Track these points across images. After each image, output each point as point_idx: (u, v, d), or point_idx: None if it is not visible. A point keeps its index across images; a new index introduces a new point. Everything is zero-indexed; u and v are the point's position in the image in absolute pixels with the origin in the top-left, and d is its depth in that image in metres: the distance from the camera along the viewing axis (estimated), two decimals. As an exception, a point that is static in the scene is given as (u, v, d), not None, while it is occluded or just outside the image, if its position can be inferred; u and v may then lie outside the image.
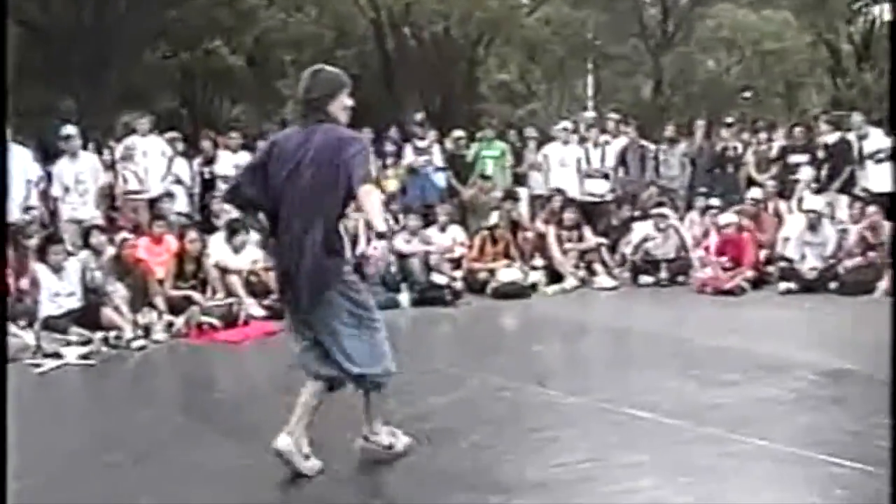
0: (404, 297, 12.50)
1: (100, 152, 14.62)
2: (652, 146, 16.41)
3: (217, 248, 12.13)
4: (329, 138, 5.45)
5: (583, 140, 16.38)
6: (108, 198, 14.07)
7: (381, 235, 5.79)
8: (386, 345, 5.92)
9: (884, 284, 12.18)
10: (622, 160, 15.94)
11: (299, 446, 5.72)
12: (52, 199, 13.39)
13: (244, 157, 14.88)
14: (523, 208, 15.51)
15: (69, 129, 13.77)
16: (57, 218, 13.29)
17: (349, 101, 5.67)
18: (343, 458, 6.03)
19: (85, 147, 14.08)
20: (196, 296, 11.39)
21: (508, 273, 13.26)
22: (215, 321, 10.94)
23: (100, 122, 20.39)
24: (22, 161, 12.64)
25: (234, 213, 13.39)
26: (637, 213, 14.97)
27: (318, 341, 5.77)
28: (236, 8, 26.68)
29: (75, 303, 10.66)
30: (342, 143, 5.40)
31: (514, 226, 14.30)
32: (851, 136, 15.16)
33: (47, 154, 14.25)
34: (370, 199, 5.25)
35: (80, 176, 13.20)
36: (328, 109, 5.55)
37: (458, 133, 16.70)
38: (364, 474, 5.83)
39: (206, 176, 15.04)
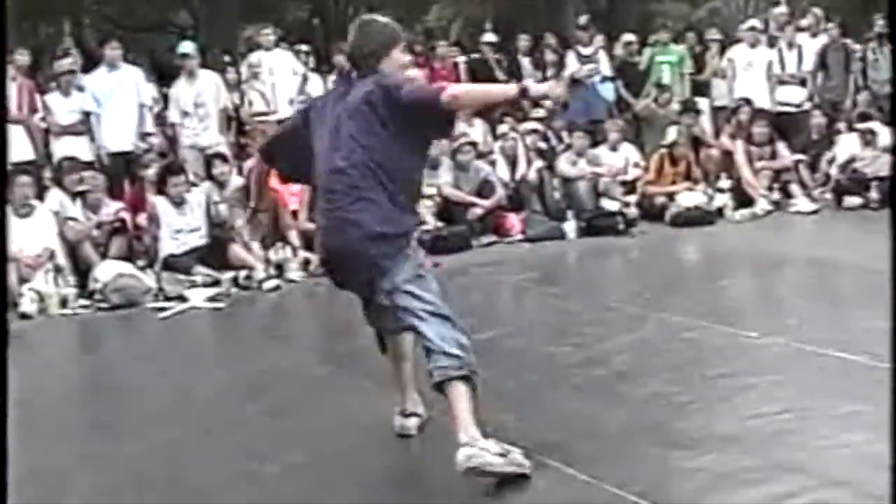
0: (570, 227, 12.45)
1: (221, 70, 14.80)
2: (857, 45, 15.91)
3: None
4: (374, 83, 5.18)
5: (774, 41, 15.98)
6: (234, 121, 14.27)
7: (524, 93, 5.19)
8: None
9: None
10: (822, 63, 15.51)
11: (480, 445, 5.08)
12: (170, 125, 13.66)
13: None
14: (706, 122, 15.25)
15: (186, 46, 14.03)
16: (176, 145, 13.57)
17: (405, 58, 5.57)
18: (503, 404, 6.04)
19: (204, 65, 14.28)
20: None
21: (690, 197, 13.08)
22: (356, 257, 11.02)
23: (220, 36, 20.66)
24: (134, 82, 12.95)
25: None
26: (841, 125, 14.57)
27: None
28: None
29: (199, 240, 10.89)
30: (391, 83, 5.14)
31: (696, 142, 14.08)
32: None
33: (162, 74, 14.54)
34: (470, 93, 5.35)
35: (200, 98, 13.40)
36: (380, 67, 5.30)
37: (629, 37, 16.46)
38: (528, 424, 5.84)
39: (342, 92, 15.11)
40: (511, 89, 5.24)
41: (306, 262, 10.96)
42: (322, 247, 5.48)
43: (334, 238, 5.27)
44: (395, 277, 5.20)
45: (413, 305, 5.20)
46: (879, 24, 15.82)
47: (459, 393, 5.16)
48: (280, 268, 10.79)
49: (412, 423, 5.81)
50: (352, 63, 5.47)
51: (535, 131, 13.79)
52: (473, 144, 13.08)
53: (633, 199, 13.32)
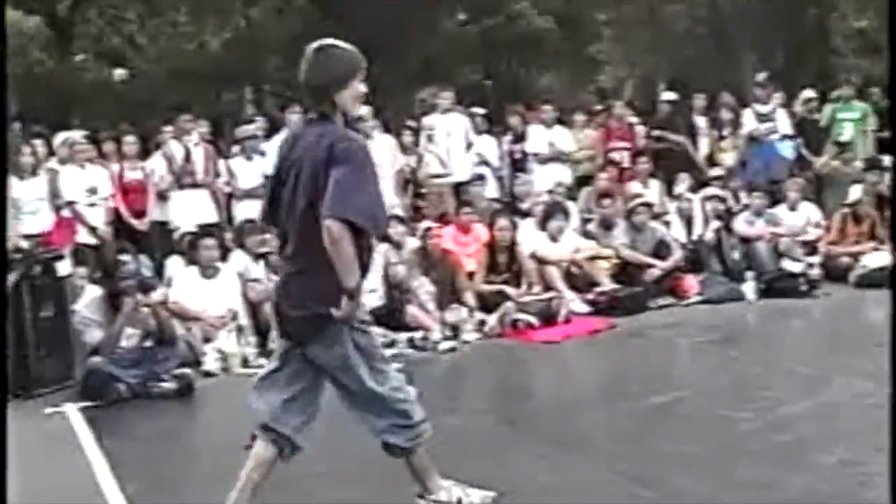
0: (750, 288, 12.24)
1: (397, 133, 15.00)
2: None
3: (530, 236, 12.26)
4: (320, 148, 4.92)
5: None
6: (410, 183, 14.43)
7: (349, 294, 4.92)
8: None
9: None
10: None
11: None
12: None
13: (559, 133, 15.04)
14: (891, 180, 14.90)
15: (363, 109, 14.23)
16: None
17: (362, 88, 5.15)
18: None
19: (383, 128, 14.47)
20: (510, 290, 11.51)
21: (876, 258, 12.76)
22: (532, 318, 11.05)
23: (394, 99, 20.97)
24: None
25: (546, 197, 13.57)
26: None
27: None
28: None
29: (377, 300, 10.97)
30: (331, 156, 4.87)
31: (881, 201, 13.74)
32: None
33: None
34: (333, 248, 4.76)
35: (376, 158, 13.51)
36: (336, 99, 5.02)
37: (809, 93, 16.21)
38: (706, 489, 5.73)
39: (517, 156, 15.21)
40: (350, 278, 4.83)
41: (482, 324, 11.00)
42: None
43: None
44: None
45: None
46: None
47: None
48: (456, 329, 10.83)
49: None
50: (306, 93, 5.17)
51: (714, 197, 13.62)
52: (648, 205, 13.00)
53: (815, 259, 13.06)
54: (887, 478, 5.71)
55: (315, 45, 5.15)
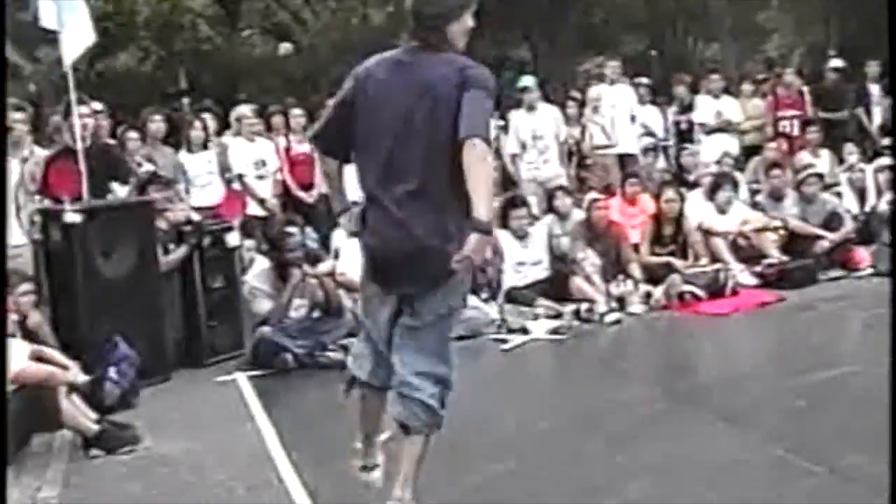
0: (923, 261, 11.94)
1: (561, 104, 14.95)
2: None
3: (698, 208, 12.12)
4: (451, 70, 4.60)
5: None
6: (574, 155, 14.39)
7: (483, 229, 4.38)
8: None
9: None
10: None
11: None
12: (510, 156, 13.85)
13: (726, 103, 14.84)
14: None
15: (527, 80, 14.26)
16: (517, 178, 13.78)
17: (471, 23, 4.79)
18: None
19: (545, 98, 14.45)
20: (676, 262, 11.43)
21: None
22: (699, 291, 10.94)
23: (558, 70, 20.90)
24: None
25: (713, 167, 13.40)
26: None
27: None
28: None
29: (542, 272, 11.01)
30: (467, 77, 4.56)
31: None
32: None
33: (499, 107, 14.86)
34: (481, 167, 4.36)
35: (539, 131, 13.57)
36: (447, 30, 4.68)
37: None
38: (879, 468, 5.61)
39: (683, 126, 15.08)
40: (485, 210, 4.34)
41: (647, 296, 10.93)
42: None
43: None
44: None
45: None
46: None
47: (420, 447, 4.96)
48: (621, 301, 10.78)
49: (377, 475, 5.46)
50: (416, 23, 4.72)
51: (887, 167, 13.26)
52: (820, 176, 12.72)
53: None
54: None
55: None
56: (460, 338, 9.92)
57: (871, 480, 5.41)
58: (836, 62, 16.27)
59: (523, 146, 13.57)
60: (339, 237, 11.25)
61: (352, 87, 4.82)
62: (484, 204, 4.32)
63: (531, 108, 13.68)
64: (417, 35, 4.70)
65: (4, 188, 9.17)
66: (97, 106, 11.64)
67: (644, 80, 15.80)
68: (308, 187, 12.66)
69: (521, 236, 11.05)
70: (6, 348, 6.31)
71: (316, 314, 9.71)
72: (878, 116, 15.27)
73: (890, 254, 11.29)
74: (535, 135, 13.56)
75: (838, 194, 12.98)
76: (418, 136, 4.58)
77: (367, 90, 4.75)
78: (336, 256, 10.84)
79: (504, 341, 9.86)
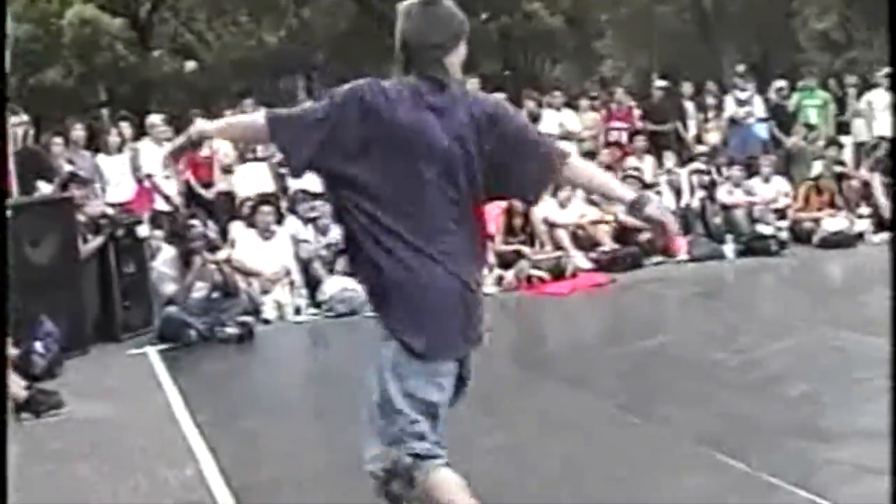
0: (729, 248, 12.27)
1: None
2: None
3: (543, 204, 12.26)
4: (468, 113, 3.54)
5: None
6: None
7: (635, 207, 3.56)
8: None
9: None
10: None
11: None
12: None
13: (567, 116, 15.06)
14: (847, 156, 14.87)
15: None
16: None
17: (465, 52, 3.73)
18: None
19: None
20: (525, 249, 11.59)
21: (834, 222, 12.76)
22: (544, 274, 11.12)
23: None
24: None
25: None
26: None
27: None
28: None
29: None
30: (497, 112, 3.60)
31: (839, 175, 13.73)
32: None
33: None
34: (592, 168, 3.78)
35: None
36: (446, 62, 3.60)
37: (780, 83, 16.13)
38: (692, 419, 5.81)
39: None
40: (627, 196, 3.59)
41: (500, 279, 11.09)
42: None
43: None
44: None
45: None
46: None
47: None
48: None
49: None
50: (417, 53, 3.57)
51: (699, 170, 13.58)
52: (638, 177, 12.94)
53: (784, 223, 13.07)
54: (843, 406, 5.81)
55: (421, 1, 3.61)
56: (341, 315, 10.03)
57: (682, 428, 5.61)
58: (661, 82, 16.61)
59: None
60: (235, 228, 11.24)
61: (358, 110, 3.48)
62: (618, 187, 3.69)
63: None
64: (420, 69, 3.56)
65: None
66: (25, 117, 11.53)
67: (499, 95, 15.91)
68: (208, 185, 12.55)
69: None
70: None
71: (215, 295, 9.67)
72: (692, 128, 15.64)
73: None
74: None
75: (659, 193, 13.24)
76: (433, 184, 3.45)
77: (385, 119, 3.45)
78: (232, 246, 10.82)
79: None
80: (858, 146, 15.32)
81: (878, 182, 13.29)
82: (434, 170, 3.44)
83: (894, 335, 5.58)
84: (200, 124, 3.72)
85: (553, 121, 15.02)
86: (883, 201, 13.08)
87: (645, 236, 12.01)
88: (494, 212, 12.07)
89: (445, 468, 3.60)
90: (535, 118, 15.20)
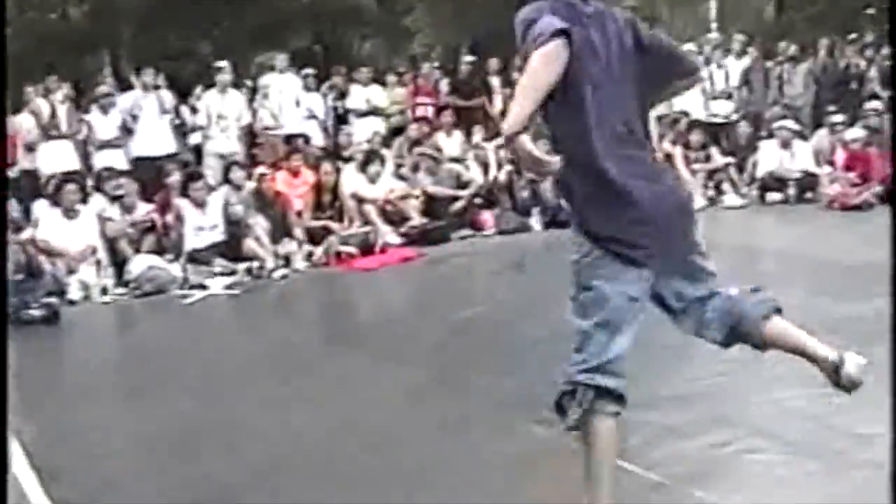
0: (536, 221, 12.42)
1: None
2: (775, 66, 15.97)
3: (351, 179, 12.20)
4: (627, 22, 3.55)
5: (707, 62, 16.00)
6: (248, 134, 14.26)
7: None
8: None
9: None
10: (746, 80, 15.58)
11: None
12: (197, 129, 13.89)
13: (374, 92, 15.04)
14: (652, 130, 15.24)
15: (223, 63, 14.03)
16: (201, 153, 13.73)
17: None
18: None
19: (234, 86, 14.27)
20: (334, 225, 11.47)
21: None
22: (353, 249, 11.05)
23: (235, 62, 20.69)
24: (162, 102, 12.99)
25: (364, 145, 13.52)
26: (762, 133, 14.60)
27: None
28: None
29: (218, 236, 10.82)
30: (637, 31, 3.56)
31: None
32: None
33: (184, 95, 14.64)
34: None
35: (225, 111, 13.41)
36: None
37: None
38: (501, 387, 5.82)
39: (339, 111, 15.16)
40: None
41: (310, 255, 10.97)
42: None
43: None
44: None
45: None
46: (792, 48, 15.95)
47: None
48: (287, 259, 10.74)
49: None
50: None
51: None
52: (432, 156, 13.00)
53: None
54: (648, 371, 5.91)
55: None
56: (148, 294, 9.77)
57: (493, 398, 5.62)
58: (469, 58, 16.69)
59: (209, 122, 13.38)
60: (39, 207, 10.85)
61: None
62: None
63: (224, 90, 13.50)
64: None
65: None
66: None
67: (309, 70, 15.72)
68: (10, 165, 12.04)
69: (201, 204, 10.84)
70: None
71: (18, 276, 9.27)
72: (498, 103, 15.76)
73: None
74: (222, 114, 13.36)
75: (466, 167, 13.31)
76: (626, 95, 3.53)
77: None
78: (36, 225, 10.44)
79: (186, 296, 9.69)
80: (660, 119, 15.74)
81: (679, 154, 13.66)
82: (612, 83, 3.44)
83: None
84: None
85: (360, 96, 15.00)
86: (684, 173, 13.43)
87: (456, 206, 12.10)
88: (303, 188, 11.96)
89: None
90: (342, 94, 15.15)
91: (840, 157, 13.07)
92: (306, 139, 14.14)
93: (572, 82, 3.32)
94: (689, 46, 16.14)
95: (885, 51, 15.92)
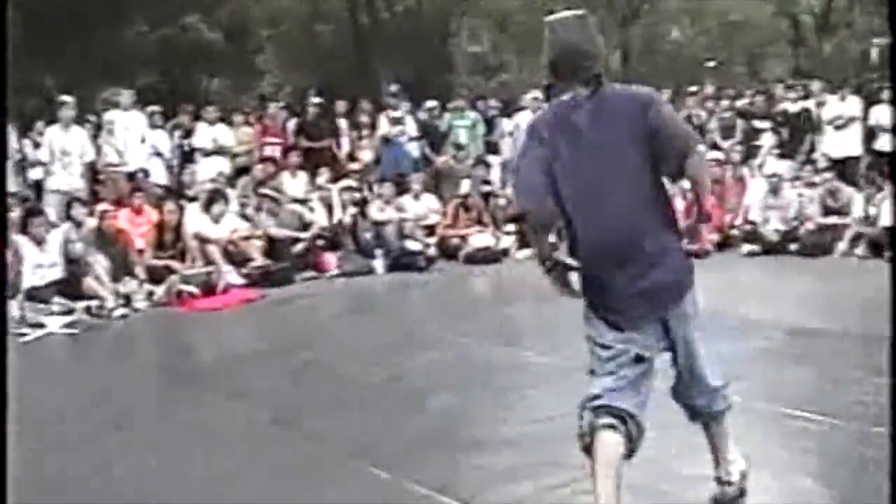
0: (379, 263, 12.48)
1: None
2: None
3: (195, 218, 12.05)
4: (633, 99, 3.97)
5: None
6: (91, 171, 13.96)
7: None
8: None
9: (842, 245, 12.25)
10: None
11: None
12: (38, 164, 13.50)
13: (221, 130, 14.90)
14: (496, 175, 15.47)
15: (66, 98, 13.71)
16: (42, 190, 13.37)
17: None
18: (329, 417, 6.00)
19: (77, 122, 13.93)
20: (176, 265, 11.30)
21: (480, 239, 13.25)
22: (195, 289, 10.91)
23: (81, 97, 20.25)
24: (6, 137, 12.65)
25: (209, 185, 13.36)
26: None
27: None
28: (213, -17, 26.43)
29: (58, 273, 10.56)
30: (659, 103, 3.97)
31: (487, 193, 14.26)
32: (811, 104, 15.28)
33: (27, 130, 14.27)
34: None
35: (68, 147, 13.09)
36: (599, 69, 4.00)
37: (431, 103, 16.57)
38: (341, 429, 5.81)
39: (185, 149, 14.97)
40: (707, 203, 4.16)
41: (151, 294, 10.77)
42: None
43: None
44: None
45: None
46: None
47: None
48: (128, 298, 10.54)
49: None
50: (566, 69, 3.95)
51: (350, 188, 13.66)
52: (273, 197, 12.96)
53: (433, 240, 13.42)
54: (485, 415, 5.98)
55: (570, 14, 4.00)
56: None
57: (332, 440, 5.60)
58: (316, 99, 16.69)
59: (52, 158, 13.01)
60: None
61: None
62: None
63: (67, 125, 13.17)
64: (578, 75, 3.95)
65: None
66: None
67: (155, 107, 15.51)
68: None
69: (40, 241, 10.54)
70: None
71: None
72: (346, 146, 15.80)
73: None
74: (65, 150, 13.02)
75: (311, 209, 13.27)
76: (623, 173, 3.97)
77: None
78: None
79: (24, 335, 9.39)
80: (504, 165, 16.00)
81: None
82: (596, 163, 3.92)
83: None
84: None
85: (207, 135, 14.83)
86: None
87: (298, 248, 12.07)
88: (145, 227, 11.75)
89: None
90: (188, 132, 14.96)
91: (679, 205, 13.42)
92: (146, 173, 13.90)
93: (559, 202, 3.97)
94: (534, 94, 16.56)
95: (725, 103, 16.55)
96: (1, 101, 8.73)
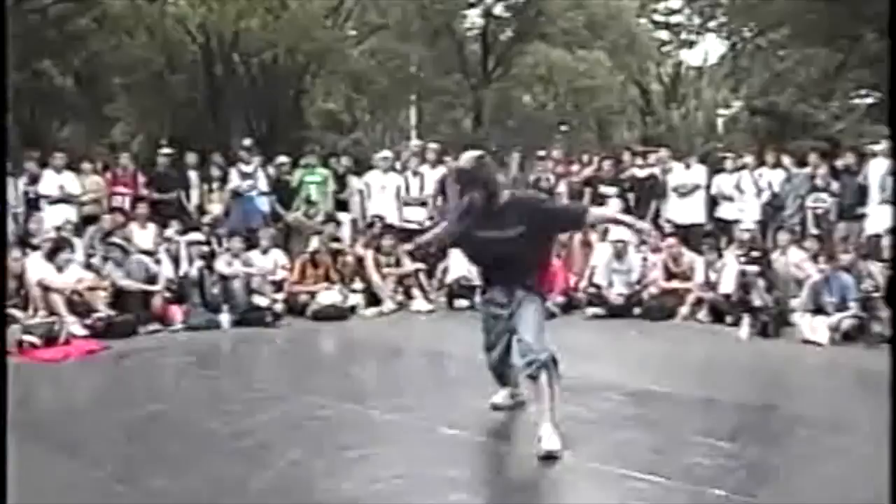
0: (225, 318, 12.29)
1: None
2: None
3: (38, 267, 11.73)
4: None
5: (403, 168, 16.49)
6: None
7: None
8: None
9: (684, 310, 12.62)
10: (441, 189, 16.09)
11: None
12: None
13: (68, 178, 14.61)
14: (345, 233, 15.49)
15: None
16: None
17: None
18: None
19: None
20: (17, 313, 10.93)
21: (328, 296, 13.20)
22: (36, 339, 10.58)
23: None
24: None
25: (54, 233, 13.04)
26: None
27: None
28: (65, 29, 25.89)
29: None
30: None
31: (336, 250, 14.25)
32: (657, 171, 15.79)
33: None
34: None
35: None
36: None
37: (283, 159, 16.53)
38: (182, 485, 5.71)
39: (31, 196, 14.58)
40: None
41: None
42: None
43: None
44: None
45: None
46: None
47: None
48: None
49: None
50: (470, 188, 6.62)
51: (197, 241, 13.48)
52: (121, 246, 12.70)
53: (280, 296, 13.33)
54: (329, 472, 5.95)
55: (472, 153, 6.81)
56: None
57: (171, 496, 5.50)
58: (167, 150, 16.49)
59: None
60: None
61: None
62: None
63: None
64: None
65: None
66: None
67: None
68: None
69: None
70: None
71: None
72: (195, 198, 15.65)
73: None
74: None
75: (158, 261, 13.06)
76: None
77: None
78: None
79: None
80: (354, 223, 16.05)
81: (370, 258, 13.93)
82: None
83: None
84: None
85: (53, 182, 14.51)
86: (375, 277, 13.72)
87: (149, 299, 11.86)
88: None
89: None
90: (34, 179, 14.60)
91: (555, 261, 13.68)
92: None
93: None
94: (385, 153, 16.69)
95: (574, 167, 16.94)
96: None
